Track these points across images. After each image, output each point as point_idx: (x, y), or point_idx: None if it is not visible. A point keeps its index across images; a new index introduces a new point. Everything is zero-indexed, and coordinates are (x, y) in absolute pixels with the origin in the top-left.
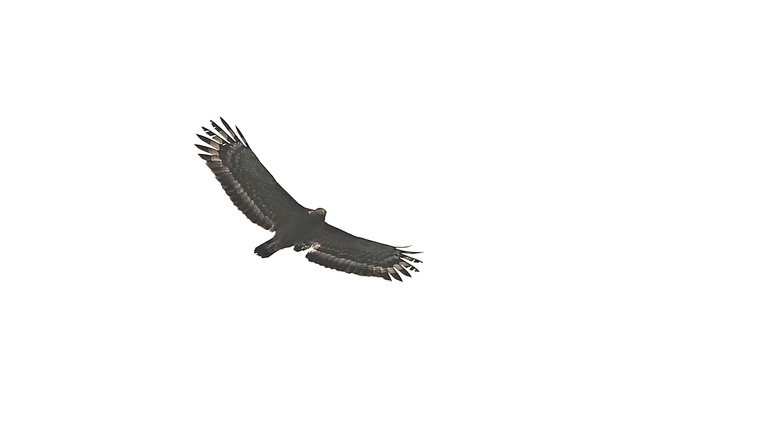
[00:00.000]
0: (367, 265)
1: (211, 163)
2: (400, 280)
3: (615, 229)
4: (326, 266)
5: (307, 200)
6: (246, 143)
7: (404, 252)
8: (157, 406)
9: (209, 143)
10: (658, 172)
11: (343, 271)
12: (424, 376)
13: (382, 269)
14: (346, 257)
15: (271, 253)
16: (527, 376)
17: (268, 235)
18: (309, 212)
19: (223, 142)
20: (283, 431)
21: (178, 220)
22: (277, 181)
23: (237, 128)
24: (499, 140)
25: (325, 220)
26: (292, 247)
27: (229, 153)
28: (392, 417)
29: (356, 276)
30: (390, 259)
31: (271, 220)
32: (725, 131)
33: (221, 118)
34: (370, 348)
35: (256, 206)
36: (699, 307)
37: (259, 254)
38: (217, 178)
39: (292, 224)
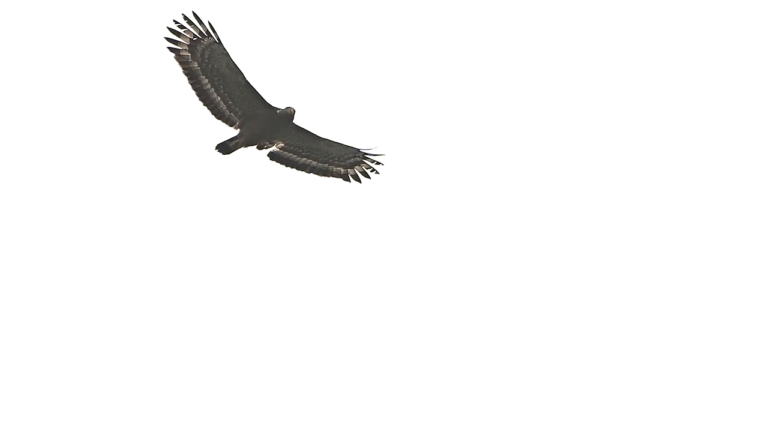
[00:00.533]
0: (328, 165)
1: (179, 57)
2: (359, 181)
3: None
4: (287, 166)
5: (277, 101)
6: (218, 39)
7: (367, 154)
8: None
9: (180, 37)
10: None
11: (303, 170)
12: (373, 277)
13: (342, 170)
14: (308, 157)
15: (233, 151)
16: (482, 284)
17: (233, 132)
18: (277, 111)
19: (194, 36)
20: (243, 327)
21: (142, 112)
22: (247, 79)
23: (210, 23)
24: (471, 49)
25: (293, 121)
26: (255, 145)
27: (200, 48)
28: (348, 310)
29: (315, 176)
30: (352, 160)
31: (236, 117)
32: (725, 131)
33: (193, 12)
34: (323, 245)
35: (222, 102)
36: (696, 300)
37: (220, 151)
38: (184, 72)
39: (258, 123)
